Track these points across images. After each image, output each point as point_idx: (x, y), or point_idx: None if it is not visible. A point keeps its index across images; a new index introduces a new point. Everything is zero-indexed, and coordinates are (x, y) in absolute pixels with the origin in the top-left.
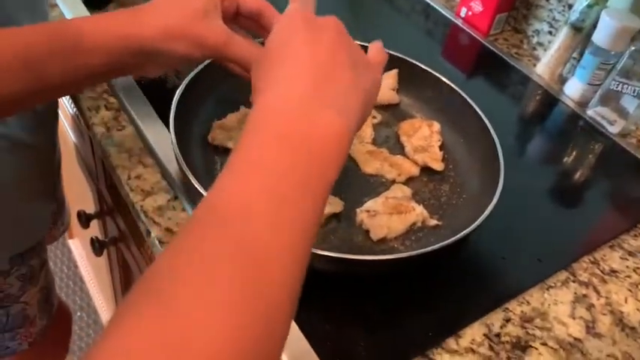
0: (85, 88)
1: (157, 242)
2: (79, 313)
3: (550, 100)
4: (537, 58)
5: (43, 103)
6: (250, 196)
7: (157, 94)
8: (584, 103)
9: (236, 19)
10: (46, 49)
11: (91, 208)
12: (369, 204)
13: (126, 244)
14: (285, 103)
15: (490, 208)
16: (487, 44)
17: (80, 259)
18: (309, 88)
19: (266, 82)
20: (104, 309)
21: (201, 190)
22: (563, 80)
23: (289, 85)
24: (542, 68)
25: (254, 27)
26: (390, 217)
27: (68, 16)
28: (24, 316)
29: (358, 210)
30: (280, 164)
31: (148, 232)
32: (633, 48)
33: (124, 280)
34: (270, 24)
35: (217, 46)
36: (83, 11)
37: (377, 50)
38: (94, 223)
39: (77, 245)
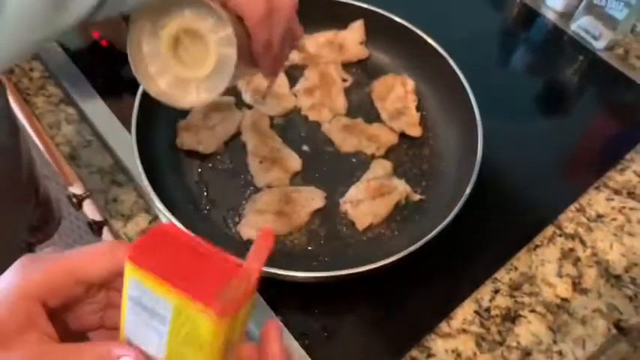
0: None
1: None
2: None
3: (529, 13)
4: None
5: None
6: None
7: (116, 99)
8: (567, 15)
9: None
10: None
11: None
12: (352, 192)
13: None
14: None
15: (468, 189)
16: None
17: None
18: None
19: None
20: None
21: (178, 224)
22: None
23: None
24: None
25: None
26: (373, 201)
27: None
28: None
29: (341, 201)
30: None
31: None
32: None
33: None
34: None
35: None
36: None
37: None
38: (87, 204)
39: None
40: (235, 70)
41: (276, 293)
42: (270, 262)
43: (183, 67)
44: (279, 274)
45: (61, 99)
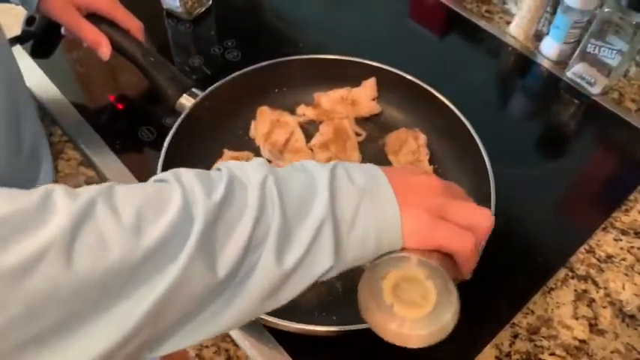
0: None
1: None
2: None
3: (526, 62)
4: (508, 13)
5: None
6: None
7: (134, 160)
8: (562, 62)
9: None
10: None
11: None
12: None
13: None
14: None
15: (483, 242)
16: (454, 7)
17: None
18: None
19: None
20: None
21: None
22: (538, 35)
23: None
24: (516, 30)
25: None
26: None
27: None
28: None
29: None
30: None
31: None
32: (606, 9)
33: None
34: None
35: None
36: (29, 62)
37: None
38: None
39: None
40: (456, 309)
41: (300, 346)
42: (293, 315)
43: (403, 306)
44: (300, 329)
45: (80, 162)
